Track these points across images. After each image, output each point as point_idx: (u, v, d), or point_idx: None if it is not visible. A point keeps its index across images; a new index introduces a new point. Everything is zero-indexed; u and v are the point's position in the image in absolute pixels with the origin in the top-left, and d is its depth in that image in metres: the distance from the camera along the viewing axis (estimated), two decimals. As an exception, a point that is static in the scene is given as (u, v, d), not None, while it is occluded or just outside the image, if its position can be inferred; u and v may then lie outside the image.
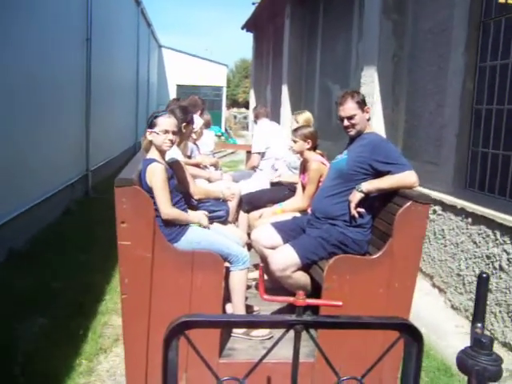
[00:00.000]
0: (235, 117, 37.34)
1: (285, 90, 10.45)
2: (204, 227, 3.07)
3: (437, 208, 4.66)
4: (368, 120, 3.21)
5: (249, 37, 17.13)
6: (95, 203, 8.60)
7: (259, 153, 5.34)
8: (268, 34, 14.28)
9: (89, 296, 4.43)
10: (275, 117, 11.67)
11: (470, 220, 4.19)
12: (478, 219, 4.06)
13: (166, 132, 2.89)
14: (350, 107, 3.14)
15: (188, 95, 5.68)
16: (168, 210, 2.77)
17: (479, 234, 4.06)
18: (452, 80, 4.61)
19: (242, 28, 15.95)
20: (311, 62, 9.63)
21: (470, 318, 3.81)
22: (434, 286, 4.75)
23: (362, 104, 3.15)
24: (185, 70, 30.56)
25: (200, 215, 3.10)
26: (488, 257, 3.95)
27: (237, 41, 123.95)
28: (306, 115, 4.83)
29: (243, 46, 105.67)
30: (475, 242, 4.11)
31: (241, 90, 48.56)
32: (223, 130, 29.59)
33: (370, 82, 5.57)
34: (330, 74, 8.51)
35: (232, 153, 16.91)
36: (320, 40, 9.16)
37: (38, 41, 6.59)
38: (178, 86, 30.68)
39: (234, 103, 45.17)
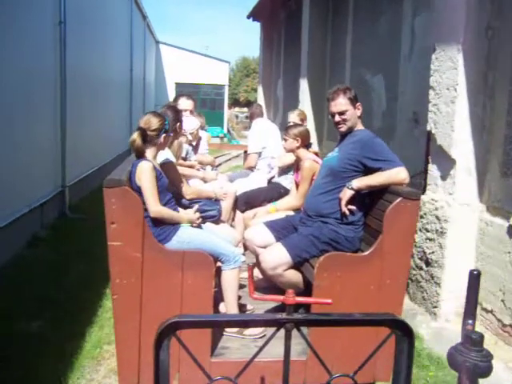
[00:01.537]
0: (237, 116, 36.93)
1: (304, 84, 8.68)
2: (195, 225, 3.06)
3: None
4: (359, 117, 3.21)
5: (251, 32, 15.85)
6: (73, 226, 6.88)
7: (256, 153, 5.32)
8: (279, 21, 12.55)
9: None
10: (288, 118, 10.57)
11: None
12: None
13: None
14: (341, 103, 3.13)
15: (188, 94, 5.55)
16: (156, 207, 2.76)
17: None
18: None
19: (248, 17, 14.06)
20: (339, 49, 7.93)
21: None
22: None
23: (353, 100, 3.16)
24: (184, 68, 29.16)
25: (190, 214, 3.08)
26: None
27: (237, 38, 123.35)
28: (297, 112, 5.02)
29: (244, 43, 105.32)
30: None
31: (242, 88, 48.15)
32: (225, 130, 28.65)
33: (450, 68, 3.97)
34: (367, 62, 6.74)
35: (237, 156, 16.23)
36: (351, 21, 7.41)
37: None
38: (177, 84, 29.33)
39: (235, 102, 44.69)
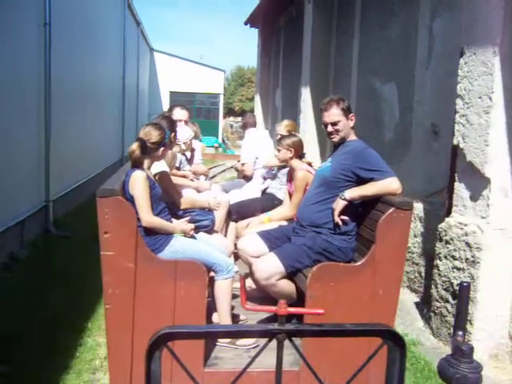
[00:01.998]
0: (232, 126, 36.78)
1: (306, 93, 8.07)
2: (188, 236, 3.06)
3: None
4: (352, 128, 3.24)
5: (246, 41, 14.99)
6: (57, 245, 6.18)
7: (251, 162, 5.31)
8: (278, 27, 12.13)
9: None
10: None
11: None
12: None
13: None
14: (334, 113, 3.17)
15: (182, 103, 5.57)
16: (148, 217, 2.77)
17: None
18: None
19: (246, 23, 13.45)
20: (344, 55, 7.32)
21: None
22: None
23: (346, 111, 3.19)
24: (179, 76, 28.73)
25: (183, 224, 3.08)
26: None
27: (232, 48, 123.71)
28: (285, 124, 4.97)
29: (239, 52, 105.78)
30: None
31: (236, 98, 48.12)
32: (220, 140, 28.29)
33: (483, 74, 3.50)
34: (376, 69, 6.16)
35: (231, 167, 15.23)
36: (358, 25, 6.82)
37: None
38: (172, 92, 28.91)
39: (229, 112, 44.44)
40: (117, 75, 14.28)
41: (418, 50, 5.08)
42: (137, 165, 2.89)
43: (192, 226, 3.12)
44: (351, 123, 3.22)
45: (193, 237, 3.13)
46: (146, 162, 2.95)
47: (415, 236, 4.73)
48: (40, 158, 6.76)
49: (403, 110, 5.41)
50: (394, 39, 5.69)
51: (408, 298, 4.76)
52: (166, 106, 24.31)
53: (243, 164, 5.41)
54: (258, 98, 13.83)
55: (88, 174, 9.84)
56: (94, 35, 10.76)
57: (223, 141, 29.15)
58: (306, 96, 8.07)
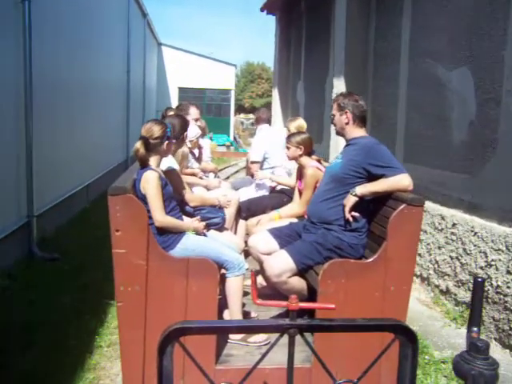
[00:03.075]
0: (242, 123, 36.33)
1: (339, 85, 6.71)
2: (200, 234, 3.07)
3: None
4: (347, 124, 3.21)
5: (256, 36, 12.90)
6: (41, 272, 4.93)
7: (257, 162, 5.23)
8: (299, 13, 10.54)
9: None
10: (312, 126, 7.12)
11: None
12: None
13: None
14: (333, 106, 3.28)
15: (191, 99, 5.54)
16: (161, 217, 2.78)
17: None
18: None
19: (262, 10, 12.12)
20: (389, 38, 6.01)
21: None
22: None
23: (341, 107, 3.20)
24: (188, 72, 27.43)
25: (195, 222, 3.09)
26: None
27: (241, 43, 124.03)
28: (298, 122, 4.86)
29: (248, 48, 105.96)
30: None
31: (246, 94, 47.85)
32: (232, 138, 27.47)
33: None
34: (438, 51, 4.83)
35: (245, 167, 15.31)
36: None
37: None
38: (180, 89, 27.80)
39: (239, 109, 43.90)
40: (120, 69, 12.77)
41: (511, 22, 3.76)
42: (144, 163, 2.90)
43: (204, 224, 3.13)
44: (344, 120, 3.21)
45: (204, 234, 3.14)
46: (153, 160, 2.95)
47: (509, 272, 3.57)
48: (20, 167, 5.50)
49: (483, 103, 4.12)
50: (468, 10, 4.38)
51: (503, 359, 3.44)
52: (174, 103, 23.78)
53: (251, 162, 5.36)
54: (275, 93, 12.39)
55: (85, 180, 8.55)
56: (91, 20, 9.19)
57: (235, 139, 28.51)
58: (339, 88, 6.63)
